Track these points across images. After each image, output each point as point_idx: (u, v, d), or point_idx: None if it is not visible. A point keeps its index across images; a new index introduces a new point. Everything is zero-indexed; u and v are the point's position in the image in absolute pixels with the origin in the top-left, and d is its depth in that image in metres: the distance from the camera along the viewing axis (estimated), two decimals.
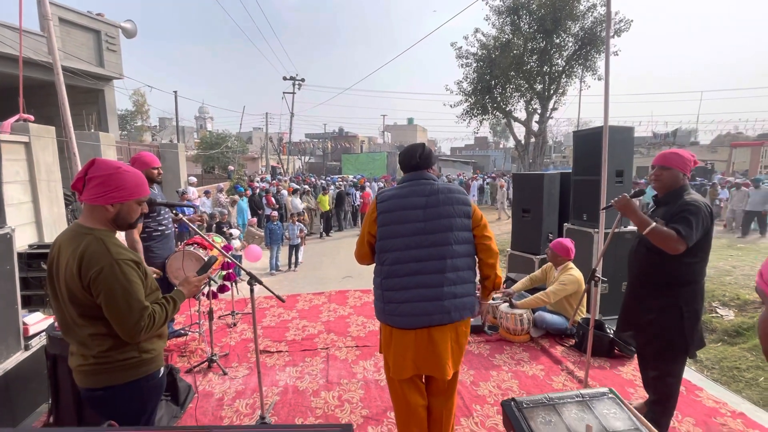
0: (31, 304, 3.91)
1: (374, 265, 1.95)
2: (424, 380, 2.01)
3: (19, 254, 2.98)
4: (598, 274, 2.47)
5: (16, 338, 2.71)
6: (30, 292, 4.00)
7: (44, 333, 2.70)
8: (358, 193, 13.82)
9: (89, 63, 10.33)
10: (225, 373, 3.08)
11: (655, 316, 2.08)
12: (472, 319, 3.84)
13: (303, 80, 25.12)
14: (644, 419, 1.29)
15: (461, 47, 17.43)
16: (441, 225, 1.81)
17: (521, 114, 18.78)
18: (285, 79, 24.91)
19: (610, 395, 1.23)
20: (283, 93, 25.23)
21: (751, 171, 19.60)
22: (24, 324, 2.81)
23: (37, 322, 2.95)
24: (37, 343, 2.83)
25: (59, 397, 2.27)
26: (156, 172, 3.09)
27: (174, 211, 2.19)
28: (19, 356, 2.69)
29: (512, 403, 1.20)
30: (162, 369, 1.58)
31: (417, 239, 1.81)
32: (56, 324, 2.43)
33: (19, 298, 2.76)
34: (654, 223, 1.94)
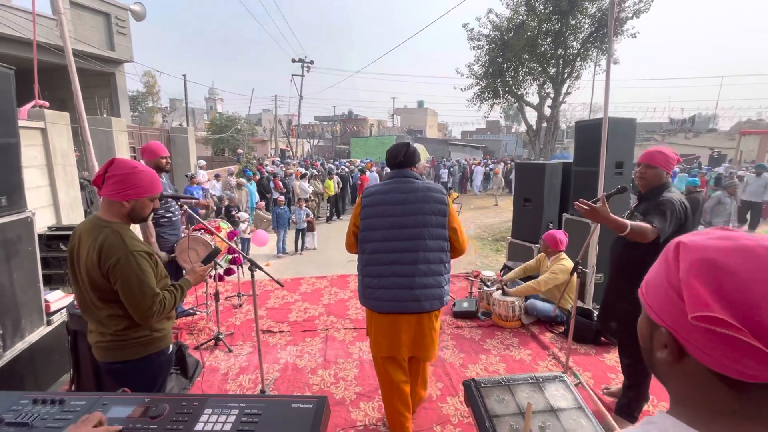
0: (51, 282, 4.17)
1: (358, 253, 2.14)
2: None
3: (39, 236, 3.17)
4: (582, 266, 2.56)
5: (39, 314, 2.95)
6: (50, 271, 4.25)
7: (65, 310, 2.92)
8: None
9: (100, 47, 10.45)
10: (230, 351, 3.30)
11: (630, 307, 2.18)
12: (465, 305, 4.00)
13: (312, 62, 24.94)
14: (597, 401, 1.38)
15: (473, 29, 17.05)
16: (416, 221, 1.98)
17: (533, 98, 18.45)
18: (294, 61, 24.75)
19: (561, 379, 1.36)
20: (292, 75, 25.12)
21: (759, 160, 18.94)
22: (46, 301, 3.04)
23: (58, 299, 3.18)
24: (58, 318, 3.07)
25: (80, 368, 2.50)
26: (164, 161, 3.24)
27: (179, 203, 2.35)
28: (42, 330, 2.93)
29: (472, 383, 1.34)
30: (171, 346, 1.78)
31: (394, 232, 1.99)
32: (75, 303, 2.64)
33: (41, 277, 2.99)
34: (630, 225, 1.93)
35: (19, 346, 2.71)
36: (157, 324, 1.67)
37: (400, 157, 2.06)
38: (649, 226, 1.96)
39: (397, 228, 1.98)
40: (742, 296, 0.43)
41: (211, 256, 1.94)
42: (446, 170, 17.98)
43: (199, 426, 0.99)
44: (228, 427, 0.98)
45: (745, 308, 0.43)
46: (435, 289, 1.99)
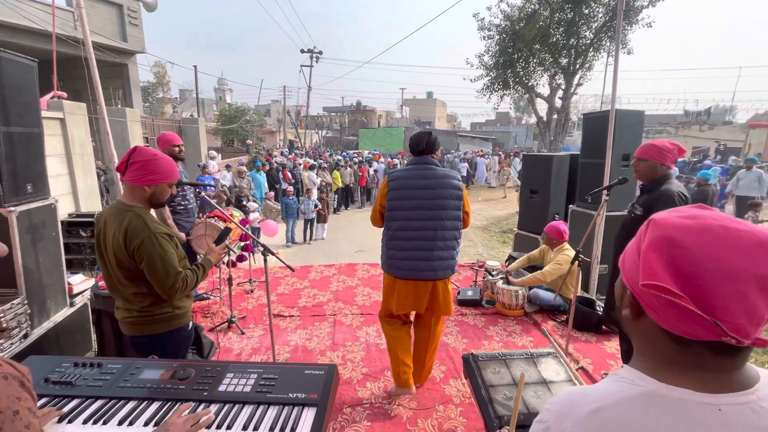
0: (72, 266, 4.36)
1: (383, 228, 2.46)
2: (413, 319, 2.58)
3: (60, 222, 3.32)
4: (584, 255, 2.63)
5: (62, 296, 3.11)
6: (71, 256, 4.43)
7: (89, 291, 3.08)
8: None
9: (113, 38, 10.58)
10: (243, 333, 3.45)
11: None
12: (470, 293, 4.10)
13: (320, 53, 24.86)
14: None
15: (484, 18, 16.83)
16: (436, 204, 2.27)
17: (544, 89, 18.20)
18: (303, 51, 24.70)
19: (554, 355, 1.44)
20: (301, 66, 25.08)
21: (766, 153, 18.37)
22: (69, 284, 3.20)
23: (80, 282, 3.34)
24: (80, 300, 3.23)
25: (104, 344, 2.66)
26: (177, 149, 3.36)
27: (197, 190, 2.47)
28: (66, 311, 3.09)
29: (471, 357, 1.43)
30: (190, 323, 1.90)
31: (416, 213, 2.28)
32: (100, 284, 2.79)
33: (64, 261, 3.14)
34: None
35: (45, 325, 2.87)
36: (178, 302, 1.80)
37: (423, 145, 2.31)
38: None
39: (419, 209, 2.27)
40: (690, 269, 0.50)
41: (223, 236, 2.03)
42: (466, 164, 17.88)
43: (222, 387, 1.10)
44: (248, 388, 1.09)
45: (690, 279, 0.50)
46: (448, 260, 2.32)
